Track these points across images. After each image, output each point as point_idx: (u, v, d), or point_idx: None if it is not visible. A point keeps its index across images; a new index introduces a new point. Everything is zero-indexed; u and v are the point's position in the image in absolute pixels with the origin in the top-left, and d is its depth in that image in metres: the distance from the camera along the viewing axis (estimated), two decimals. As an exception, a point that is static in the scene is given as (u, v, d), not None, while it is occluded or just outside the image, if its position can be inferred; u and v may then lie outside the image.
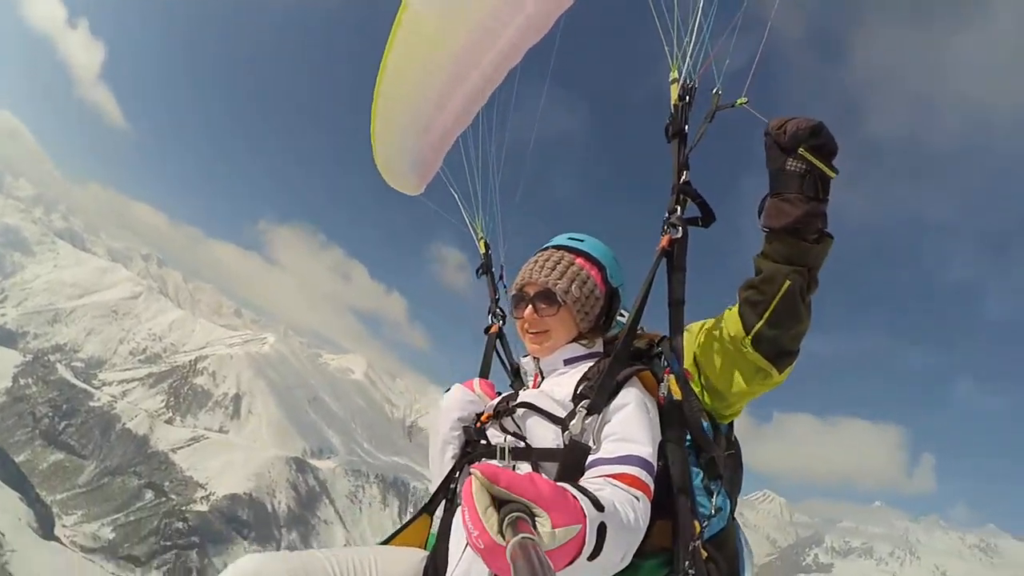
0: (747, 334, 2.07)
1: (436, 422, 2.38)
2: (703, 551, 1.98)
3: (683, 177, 2.29)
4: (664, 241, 2.22)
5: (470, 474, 1.20)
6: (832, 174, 1.95)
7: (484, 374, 2.93)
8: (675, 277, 2.20)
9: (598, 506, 1.39)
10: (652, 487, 1.77)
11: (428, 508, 2.38)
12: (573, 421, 1.90)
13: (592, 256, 2.29)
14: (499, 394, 2.41)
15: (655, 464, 1.84)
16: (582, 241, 2.35)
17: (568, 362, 2.23)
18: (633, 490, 1.70)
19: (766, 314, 2.01)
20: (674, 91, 2.42)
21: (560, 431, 1.95)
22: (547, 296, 2.20)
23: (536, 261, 2.29)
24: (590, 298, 2.22)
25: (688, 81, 2.41)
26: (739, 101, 2.28)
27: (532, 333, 2.24)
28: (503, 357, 3.04)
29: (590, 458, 1.85)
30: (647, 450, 1.84)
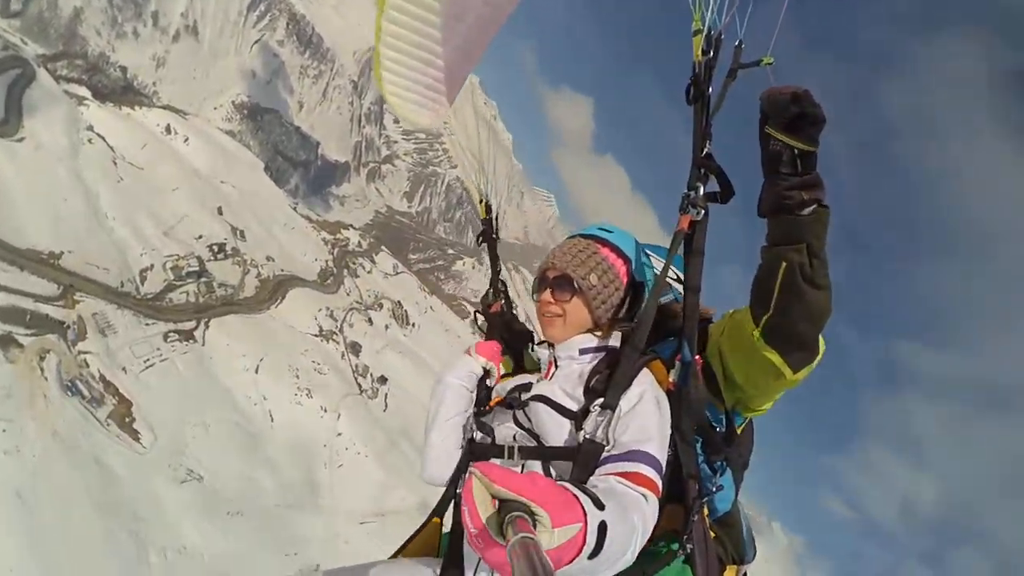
0: (756, 326, 1.96)
1: (440, 394, 2.35)
2: (712, 531, 2.06)
3: (705, 149, 2.11)
4: (683, 222, 2.10)
5: (470, 473, 1.19)
6: (805, 146, 1.77)
7: None
8: (693, 261, 2.12)
9: (599, 505, 1.39)
10: (660, 484, 1.77)
11: (438, 511, 2.35)
12: (587, 420, 1.92)
13: (619, 248, 2.30)
14: (505, 374, 2.47)
15: (664, 461, 1.84)
16: (611, 232, 2.35)
17: (583, 352, 2.22)
18: (640, 488, 1.69)
19: (772, 302, 1.89)
20: (697, 44, 2.17)
21: (573, 427, 1.97)
22: (565, 281, 2.22)
23: (561, 247, 2.33)
24: (608, 288, 2.23)
25: (712, 31, 2.15)
26: (764, 60, 2.11)
27: (547, 316, 2.27)
28: (507, 340, 2.81)
29: (601, 456, 1.84)
30: (656, 446, 1.84)
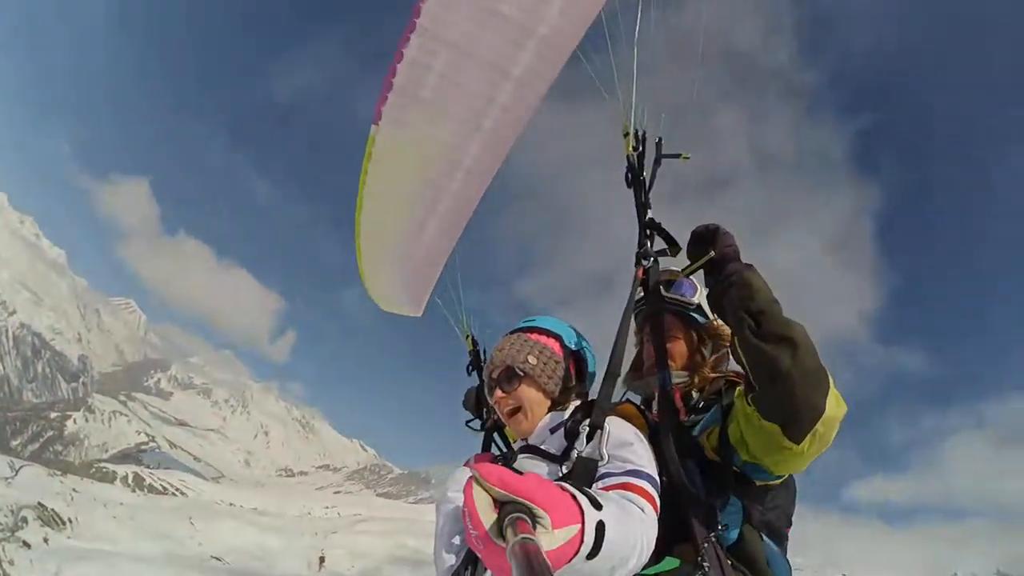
0: (750, 404, 1.98)
1: (444, 523, 2.20)
2: (727, 559, 2.02)
3: (647, 215, 2.51)
4: (639, 272, 2.46)
5: (470, 476, 1.21)
6: (706, 256, 2.13)
7: None
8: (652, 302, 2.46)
9: (596, 505, 1.39)
10: (658, 500, 1.79)
11: None
12: (577, 440, 1.95)
13: (545, 328, 2.41)
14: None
15: (658, 479, 1.88)
16: (533, 320, 2.48)
17: (553, 429, 2.22)
18: (639, 499, 1.71)
19: (749, 375, 1.96)
20: (627, 143, 2.61)
21: (560, 467, 1.99)
22: (508, 372, 2.27)
23: (496, 348, 2.41)
24: (548, 363, 2.29)
25: (638, 131, 2.60)
26: (683, 156, 2.53)
27: (506, 413, 2.29)
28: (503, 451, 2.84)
29: (597, 473, 1.88)
30: (649, 464, 1.89)
